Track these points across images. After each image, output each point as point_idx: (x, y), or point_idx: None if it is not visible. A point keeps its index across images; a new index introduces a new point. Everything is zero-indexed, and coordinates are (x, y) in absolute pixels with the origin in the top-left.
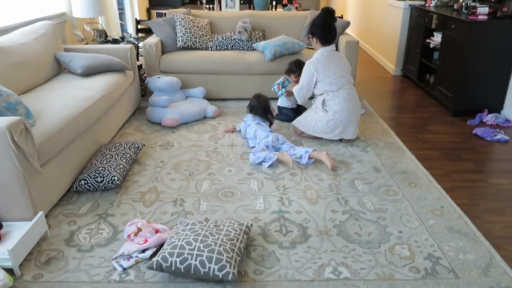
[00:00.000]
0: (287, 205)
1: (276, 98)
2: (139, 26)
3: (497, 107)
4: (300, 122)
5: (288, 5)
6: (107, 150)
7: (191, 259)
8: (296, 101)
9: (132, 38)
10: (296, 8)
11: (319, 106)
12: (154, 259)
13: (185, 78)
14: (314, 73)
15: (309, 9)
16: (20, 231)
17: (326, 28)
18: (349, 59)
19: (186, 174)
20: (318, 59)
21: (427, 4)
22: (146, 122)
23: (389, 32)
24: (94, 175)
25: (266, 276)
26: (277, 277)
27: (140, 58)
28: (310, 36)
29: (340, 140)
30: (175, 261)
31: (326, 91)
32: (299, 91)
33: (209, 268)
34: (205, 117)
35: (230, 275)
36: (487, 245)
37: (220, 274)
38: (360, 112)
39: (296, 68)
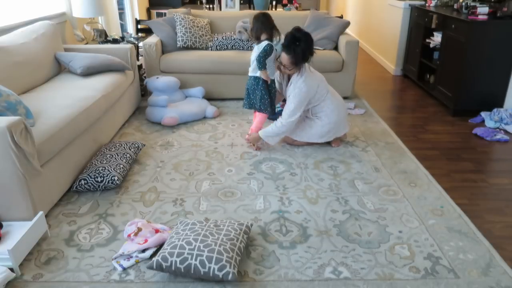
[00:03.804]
0: (287, 205)
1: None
2: (139, 26)
3: (497, 107)
4: (293, 131)
5: (288, 5)
6: (107, 150)
7: (191, 259)
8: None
9: (132, 38)
10: (296, 8)
11: (310, 115)
12: (154, 259)
13: (185, 78)
14: (308, 99)
15: (309, 9)
16: (20, 231)
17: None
18: (349, 59)
19: (186, 174)
20: (310, 86)
21: (427, 4)
22: (146, 122)
23: (389, 32)
24: (94, 175)
25: (266, 276)
26: (277, 277)
27: (140, 58)
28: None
29: (329, 143)
30: (175, 261)
31: (314, 105)
32: (291, 116)
33: (209, 268)
34: (205, 117)
35: (230, 275)
36: (487, 245)
37: (220, 274)
38: (346, 106)
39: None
